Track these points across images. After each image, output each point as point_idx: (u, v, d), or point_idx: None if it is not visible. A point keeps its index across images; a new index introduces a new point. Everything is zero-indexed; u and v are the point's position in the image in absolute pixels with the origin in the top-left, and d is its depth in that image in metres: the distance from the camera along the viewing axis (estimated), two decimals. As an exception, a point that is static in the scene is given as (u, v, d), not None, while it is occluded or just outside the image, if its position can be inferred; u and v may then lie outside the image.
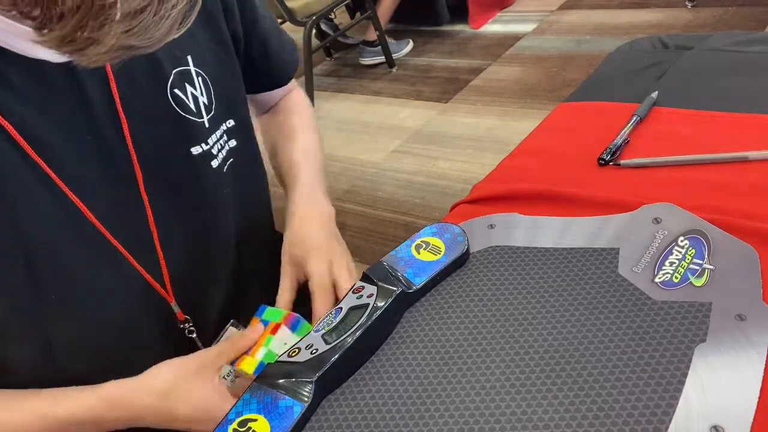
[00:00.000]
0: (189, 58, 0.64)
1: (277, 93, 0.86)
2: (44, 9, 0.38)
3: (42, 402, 0.58)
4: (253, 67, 0.76)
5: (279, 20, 2.85)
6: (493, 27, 3.16)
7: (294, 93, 0.89)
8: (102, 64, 0.43)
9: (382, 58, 3.00)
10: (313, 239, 0.70)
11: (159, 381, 0.59)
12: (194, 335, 0.69)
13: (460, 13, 3.18)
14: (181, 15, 0.42)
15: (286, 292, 0.68)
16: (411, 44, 3.14)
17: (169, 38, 0.43)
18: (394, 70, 2.99)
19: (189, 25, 0.44)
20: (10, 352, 0.57)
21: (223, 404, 0.57)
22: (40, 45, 0.40)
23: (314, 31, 2.92)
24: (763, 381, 0.47)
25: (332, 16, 3.24)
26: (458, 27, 3.22)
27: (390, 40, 3.03)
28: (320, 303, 0.65)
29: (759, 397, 0.46)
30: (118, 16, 0.39)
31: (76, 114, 0.56)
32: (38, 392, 0.58)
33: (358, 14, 3.23)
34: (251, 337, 0.61)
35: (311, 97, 2.73)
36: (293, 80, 0.87)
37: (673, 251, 0.60)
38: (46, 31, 0.39)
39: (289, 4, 2.55)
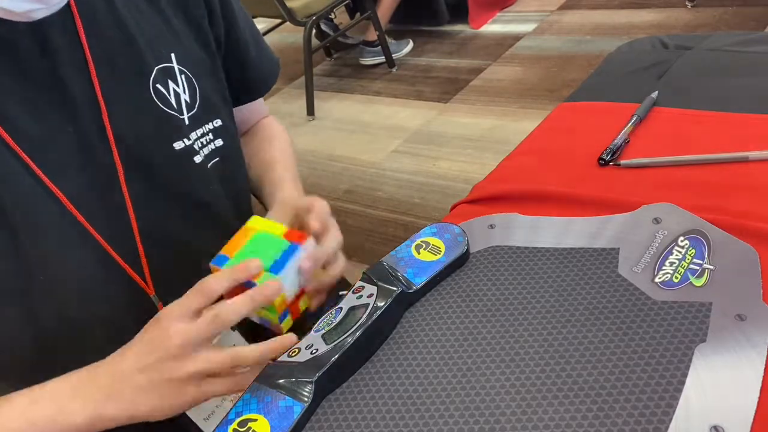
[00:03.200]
0: (172, 55, 0.65)
1: (251, 114, 0.84)
2: None
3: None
4: (228, 75, 0.75)
5: (279, 20, 2.86)
6: (493, 27, 3.16)
7: (269, 119, 0.88)
8: None
9: (382, 58, 3.00)
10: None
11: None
12: None
13: (460, 13, 3.18)
14: None
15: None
16: (411, 44, 3.14)
17: None
18: (394, 70, 2.99)
19: None
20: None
21: (170, 342, 0.51)
22: None
23: (314, 31, 2.92)
24: (763, 381, 0.47)
25: (332, 16, 3.24)
26: (458, 27, 3.22)
27: (390, 40, 3.03)
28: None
29: (759, 397, 0.46)
30: None
31: (57, 105, 0.56)
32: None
33: (358, 14, 3.23)
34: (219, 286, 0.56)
35: (311, 97, 2.73)
36: (267, 108, 0.87)
37: (673, 251, 0.60)
38: None
39: (289, 4, 2.55)
